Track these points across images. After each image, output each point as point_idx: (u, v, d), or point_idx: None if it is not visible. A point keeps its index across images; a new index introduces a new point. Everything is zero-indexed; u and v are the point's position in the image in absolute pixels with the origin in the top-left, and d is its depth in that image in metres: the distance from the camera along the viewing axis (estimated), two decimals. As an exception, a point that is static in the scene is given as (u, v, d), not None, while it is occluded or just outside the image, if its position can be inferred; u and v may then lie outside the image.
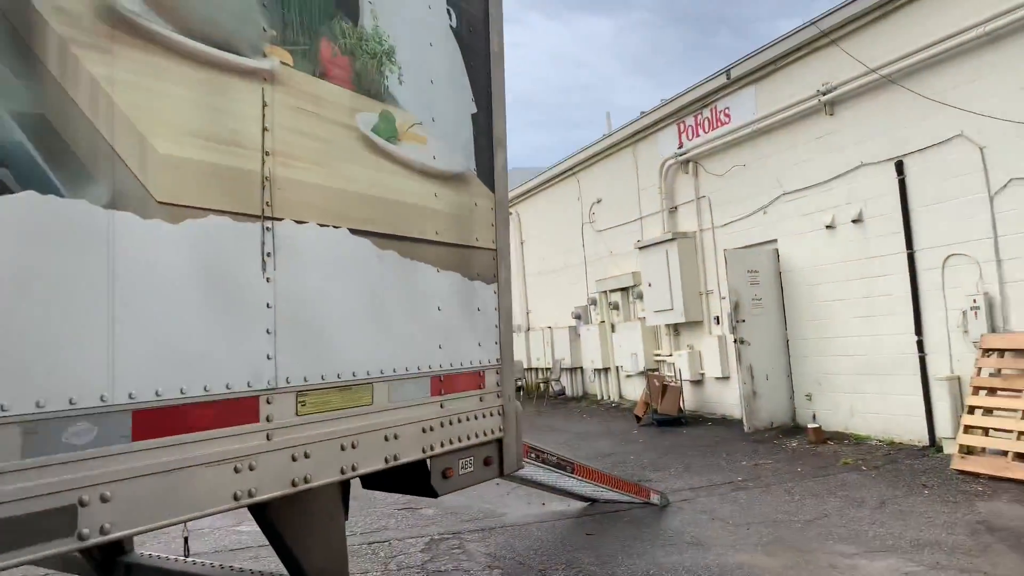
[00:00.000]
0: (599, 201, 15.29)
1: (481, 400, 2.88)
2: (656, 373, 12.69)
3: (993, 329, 7.79)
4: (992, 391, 7.51)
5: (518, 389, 17.40)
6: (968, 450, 7.46)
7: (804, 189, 10.12)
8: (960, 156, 8.04)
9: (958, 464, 7.40)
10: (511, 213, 18.75)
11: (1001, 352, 7.57)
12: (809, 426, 9.56)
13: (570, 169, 16.22)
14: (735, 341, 10.28)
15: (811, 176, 9.98)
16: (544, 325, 17.63)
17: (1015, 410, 7.12)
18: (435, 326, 2.69)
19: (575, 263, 16.32)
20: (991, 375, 7.57)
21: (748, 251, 10.75)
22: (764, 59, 10.43)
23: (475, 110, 2.99)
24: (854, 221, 9.35)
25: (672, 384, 11.90)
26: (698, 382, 12.46)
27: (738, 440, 10.01)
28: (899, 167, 8.73)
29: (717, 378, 11.89)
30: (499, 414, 2.95)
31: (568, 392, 16.74)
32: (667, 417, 11.69)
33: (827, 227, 9.75)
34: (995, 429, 7.32)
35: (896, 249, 8.83)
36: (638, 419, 12.07)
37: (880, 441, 9.10)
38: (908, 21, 8.51)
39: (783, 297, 10.63)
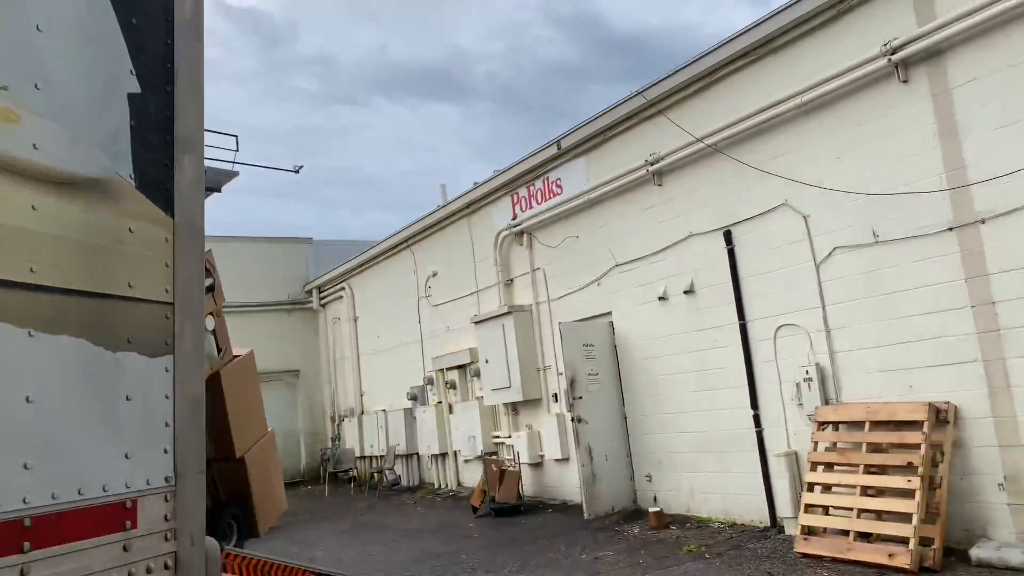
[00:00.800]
0: (435, 275, 14.54)
1: (126, 550, 1.80)
2: (494, 457, 11.82)
3: (826, 401, 7.57)
4: (829, 466, 7.21)
5: (351, 480, 15.92)
6: (809, 530, 7.06)
7: (636, 260, 9.83)
8: (786, 225, 7.96)
9: (801, 547, 6.96)
10: (343, 287, 17.64)
11: (835, 425, 7.33)
12: (651, 510, 8.96)
13: (405, 241, 15.42)
14: (572, 419, 9.63)
15: (643, 247, 9.72)
16: (379, 408, 16.40)
17: (852, 486, 6.81)
18: (14, 432, 1.64)
19: (411, 340, 15.36)
20: (827, 449, 7.29)
21: (583, 324, 10.28)
22: (593, 129, 10.23)
23: (137, 89, 2.00)
24: (686, 292, 9.08)
25: (510, 469, 11.05)
26: (538, 465, 11.69)
27: (578, 529, 9.25)
28: (728, 237, 8.58)
29: (557, 460, 11.18)
30: (168, 567, 1.87)
31: (404, 481, 15.47)
32: (505, 505, 10.78)
33: (660, 298, 9.45)
34: (835, 507, 6.97)
35: (728, 320, 8.59)
36: (475, 509, 11.08)
37: (722, 523, 8.62)
38: (730, 91, 8.51)
39: (620, 371, 10.17)
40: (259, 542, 10.67)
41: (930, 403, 6.53)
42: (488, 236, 12.64)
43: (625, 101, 9.66)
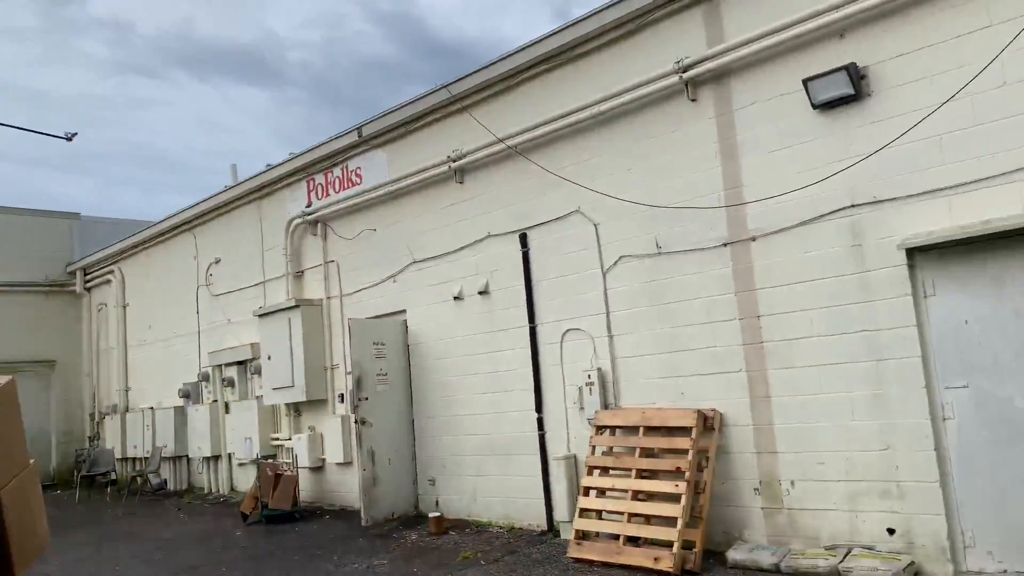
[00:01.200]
0: (218, 262, 13.39)
1: None
2: (270, 461, 11.01)
3: (606, 405, 7.69)
4: (605, 470, 7.31)
5: (109, 484, 14.24)
6: (583, 535, 7.10)
7: (434, 258, 9.55)
8: (577, 231, 8.03)
9: (574, 551, 6.98)
10: (111, 271, 15.91)
11: (613, 429, 7.45)
12: (430, 515, 8.68)
13: (186, 223, 14.09)
14: (356, 421, 9.14)
15: (441, 245, 9.46)
16: (147, 405, 14.85)
17: (625, 490, 6.93)
18: None
19: (187, 332, 14.05)
20: (604, 453, 7.39)
21: (374, 321, 9.83)
22: (397, 119, 9.84)
23: None
24: (481, 293, 8.93)
25: (286, 473, 10.33)
26: (318, 469, 11.04)
27: (356, 536, 8.76)
28: (523, 239, 8.53)
29: (339, 463, 10.61)
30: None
31: (171, 486, 14.09)
32: (279, 512, 10.04)
33: (455, 298, 9.23)
34: (608, 511, 7.07)
35: (520, 322, 8.54)
36: (244, 517, 10.22)
37: (501, 527, 8.52)
38: (533, 95, 8.48)
39: (411, 372, 9.83)
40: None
41: (699, 410, 6.79)
42: (279, 223, 11.82)
43: (430, 94, 9.37)
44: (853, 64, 6.01)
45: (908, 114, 5.83)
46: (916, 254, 5.82)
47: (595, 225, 7.87)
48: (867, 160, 6.02)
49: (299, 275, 11.59)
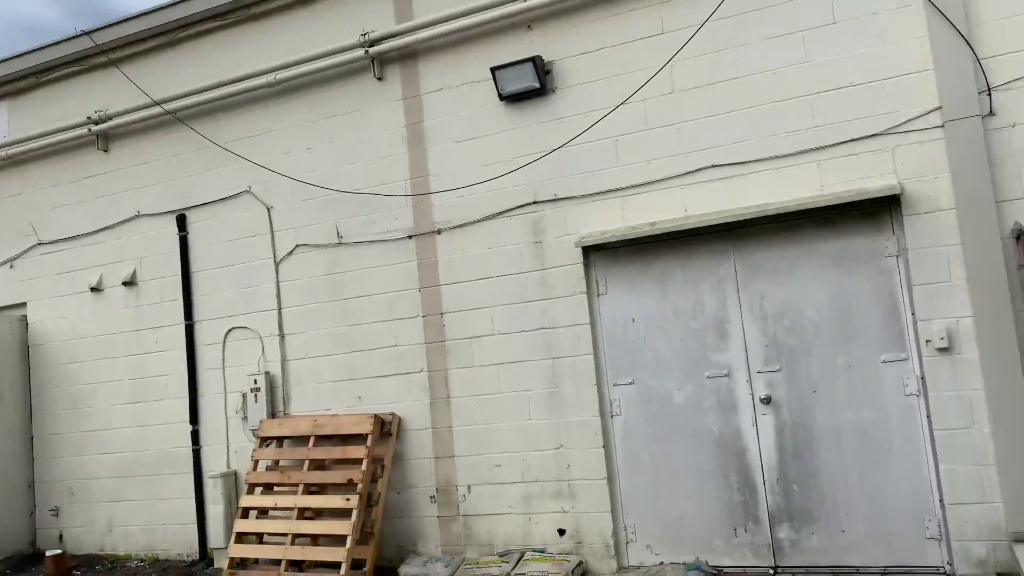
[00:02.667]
0: None
1: None
2: None
3: (274, 414, 6.80)
4: (269, 487, 6.42)
5: None
6: (240, 563, 6.15)
7: (68, 240, 7.86)
8: (248, 215, 7.05)
9: (227, 583, 5.99)
10: None
11: (280, 440, 6.59)
12: (47, 553, 7.03)
13: None
14: (-56, 443, 7.14)
15: (77, 225, 7.81)
16: None
17: (291, 508, 6.12)
18: None
19: None
20: (268, 468, 6.50)
21: (-20, 316, 7.82)
22: (24, 67, 7.96)
23: None
24: (126, 283, 7.50)
25: None
26: None
27: (-63, 590, 6.81)
28: (181, 221, 7.30)
29: (-75, 497, 8.28)
30: None
31: None
32: None
33: (93, 289, 7.66)
34: (270, 534, 6.19)
35: (174, 319, 7.29)
36: None
37: (142, 560, 7.18)
38: (199, 54, 7.32)
39: (31, 380, 7.98)
40: None
41: (376, 415, 6.22)
42: None
43: (69, 39, 7.70)
44: (539, 57, 5.90)
45: (588, 113, 5.85)
46: (591, 253, 5.85)
47: (268, 209, 6.96)
48: (549, 156, 5.94)
49: None
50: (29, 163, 8.11)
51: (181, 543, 7.12)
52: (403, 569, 5.90)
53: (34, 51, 7.90)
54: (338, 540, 5.87)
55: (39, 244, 8.00)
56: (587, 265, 5.83)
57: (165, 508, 7.24)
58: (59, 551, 7.09)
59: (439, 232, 6.31)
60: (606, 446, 5.69)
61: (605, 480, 5.65)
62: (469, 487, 6.07)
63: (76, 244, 7.82)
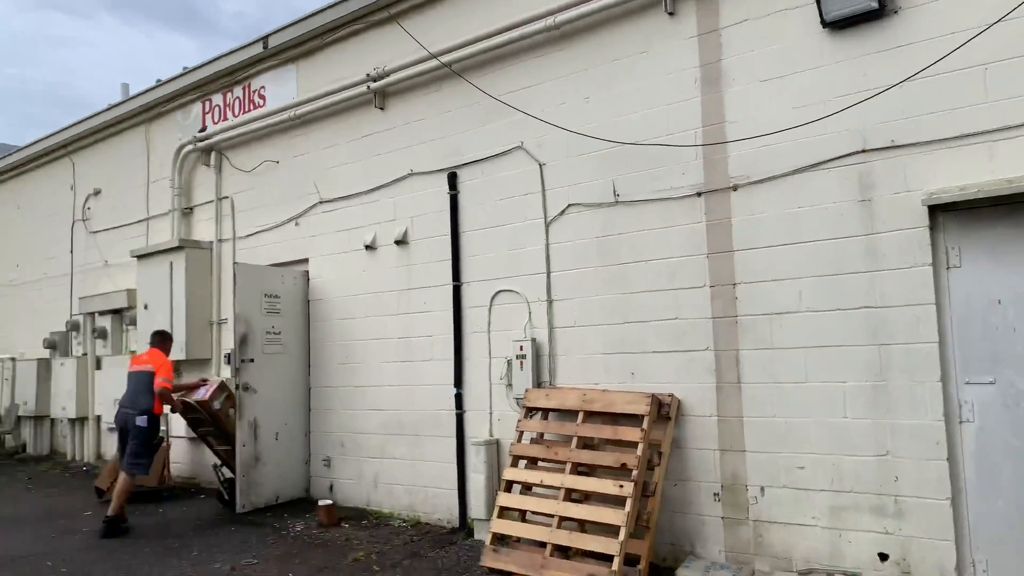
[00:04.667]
0: (97, 193, 11.47)
1: None
2: (136, 427, 9.30)
3: (539, 384, 6.36)
4: (533, 461, 5.99)
5: (-39, 443, 12.22)
6: (502, 539, 5.79)
7: (345, 198, 8.00)
8: (519, 172, 6.63)
9: (489, 559, 5.66)
10: (-24, 199, 13.70)
11: (545, 412, 6.13)
12: (320, 503, 7.23)
13: (63, 146, 12.07)
14: (237, 386, 7.57)
15: (354, 183, 7.92)
16: (9, 355, 12.83)
17: (557, 488, 5.63)
18: None
19: (59, 273, 12.09)
20: (533, 441, 6.07)
21: (269, 270, 8.23)
22: (310, 28, 8.20)
23: None
24: (398, 242, 7.45)
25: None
26: (198, 440, 9.41)
27: (229, 524, 7.26)
28: (452, 180, 7.07)
29: (222, 435, 8.99)
30: None
31: (31, 450, 12.20)
32: (143, 489, 8.41)
33: (367, 247, 7.72)
34: (534, 512, 5.75)
35: (443, 279, 7.11)
36: (100, 493, 8.56)
37: (404, 521, 7.15)
38: (472, 4, 7.00)
39: (310, 332, 8.30)
40: None
41: (653, 395, 5.51)
42: (168, 151, 10.01)
43: (352, -2, 7.77)
44: (881, -31, 4.75)
45: (943, 38, 4.61)
46: (940, 214, 4.63)
47: (540, 165, 6.48)
48: (886, 94, 4.79)
49: (188, 212, 9.85)
50: (314, 123, 8.37)
51: (442, 508, 6.98)
52: (682, 572, 5.17)
53: (320, 11, 8.09)
54: (608, 530, 5.27)
55: (320, 203, 8.25)
56: (933, 229, 4.63)
57: (427, 470, 7.14)
58: (329, 502, 7.26)
59: (735, 188, 5.40)
60: (951, 459, 4.51)
61: (948, 501, 4.48)
62: (762, 488, 5.17)
63: (353, 203, 7.93)
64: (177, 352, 9.18)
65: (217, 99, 9.47)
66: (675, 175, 5.69)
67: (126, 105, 10.65)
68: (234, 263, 7.90)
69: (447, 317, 7.03)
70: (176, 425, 9.26)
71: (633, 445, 5.42)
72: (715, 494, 5.38)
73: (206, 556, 6.23)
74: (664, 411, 5.54)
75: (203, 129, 9.54)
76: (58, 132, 11.91)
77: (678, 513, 5.54)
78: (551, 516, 5.54)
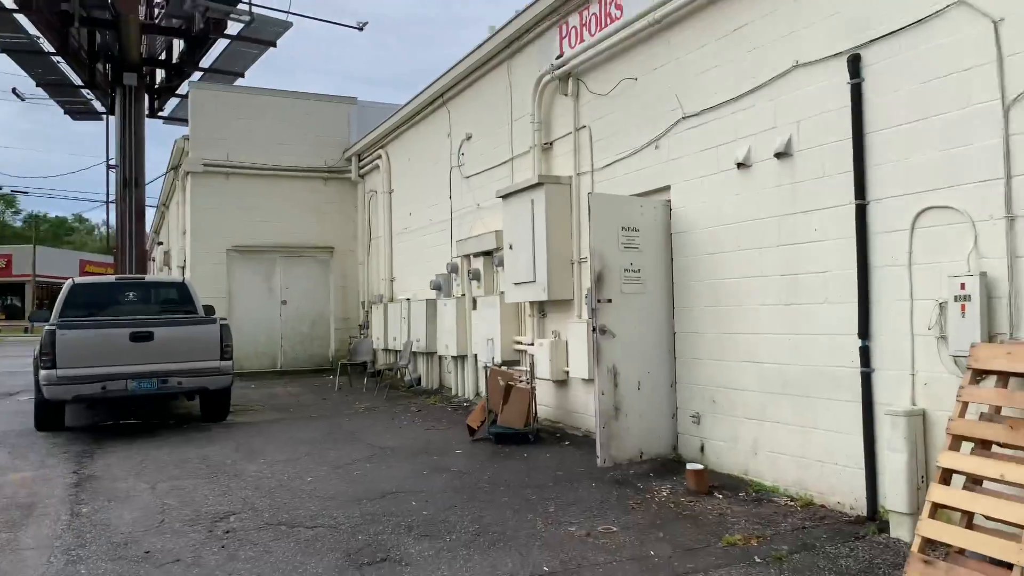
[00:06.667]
0: (469, 138, 11.73)
1: None
2: (504, 368, 9.26)
3: (992, 336, 4.50)
4: (986, 445, 4.23)
5: (375, 374, 13.83)
6: (935, 546, 4.18)
7: (711, 109, 6.73)
8: (957, 39, 4.71)
9: (918, 571, 4.11)
10: (379, 155, 15.18)
11: (1005, 378, 4.28)
12: (689, 467, 6.22)
13: (440, 95, 12.58)
14: (594, 329, 6.87)
15: (723, 90, 6.59)
16: (405, 297, 14.07)
17: (1029, 488, 3.84)
18: None
19: (441, 219, 12.76)
20: (984, 417, 4.29)
21: (624, 199, 7.33)
22: (670, -88, 6.96)
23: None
24: (779, 155, 5.98)
25: (520, 385, 8.48)
26: (562, 383, 9.08)
27: (588, 478, 6.65)
28: (854, 65, 5.36)
29: (584, 380, 8.51)
30: None
31: (425, 383, 13.25)
32: (508, 431, 8.29)
33: (739, 165, 6.38)
34: (988, 518, 4.03)
35: (840, 199, 5.50)
36: (471, 431, 8.65)
37: (792, 500, 5.81)
38: None
39: (673, 270, 7.26)
40: (201, 441, 8.70)
41: None
42: (528, 85, 9.65)
43: None
44: None
45: None
46: None
47: (994, 23, 4.49)
48: None
49: (547, 147, 9.41)
50: (676, 26, 7.18)
51: (842, 490, 5.50)
52: None
53: None
54: None
55: (684, 118, 7.07)
56: None
57: (821, 440, 5.68)
58: (700, 466, 6.22)
59: None
60: None
61: None
62: None
63: (722, 113, 6.62)
64: (539, 292, 8.87)
65: (573, 20, 8.76)
66: None
67: (489, 44, 10.55)
68: (588, 194, 7.14)
69: (847, 247, 5.42)
70: (541, 368, 9.01)
71: None
72: None
73: (561, 515, 5.63)
74: None
75: (560, 55, 8.94)
76: (434, 82, 12.42)
77: None
78: (1020, 528, 3.78)
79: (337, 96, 17.55)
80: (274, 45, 17.21)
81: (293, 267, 16.97)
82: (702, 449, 6.88)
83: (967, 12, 4.63)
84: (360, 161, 16.82)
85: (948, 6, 4.74)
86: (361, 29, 19.15)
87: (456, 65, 11.61)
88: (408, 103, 13.65)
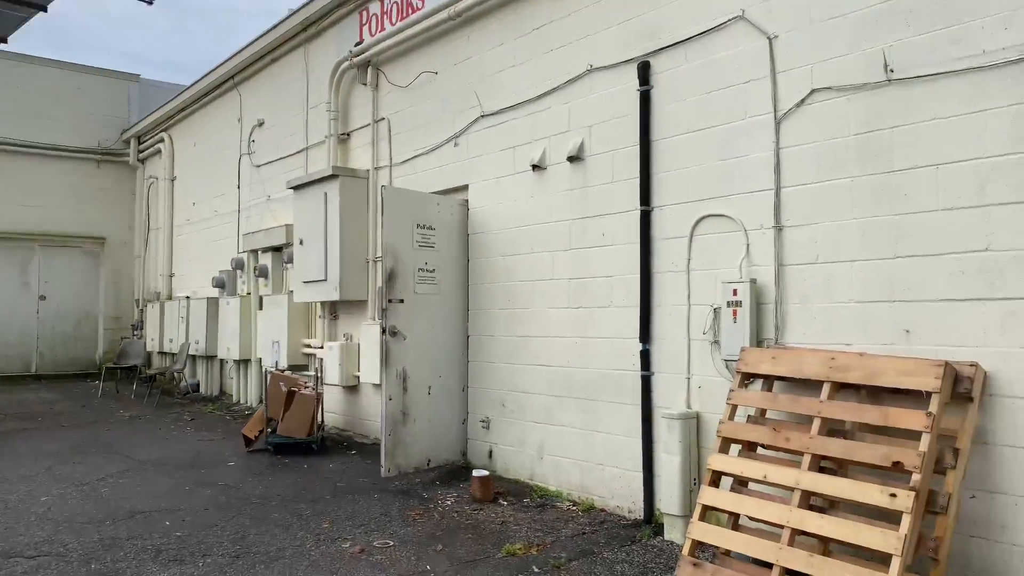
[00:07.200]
0: (261, 124, 10.91)
1: None
2: (286, 373, 8.61)
3: (760, 341, 4.67)
4: (752, 447, 4.35)
5: (148, 379, 12.41)
6: (704, 548, 4.23)
7: (510, 109, 6.61)
8: (738, 51, 4.87)
9: (687, 572, 4.12)
10: (161, 138, 13.82)
11: (770, 381, 4.44)
12: (474, 474, 6.01)
13: (230, 77, 11.64)
14: (383, 330, 6.48)
15: (521, 89, 6.49)
16: (186, 294, 12.85)
17: (788, 488, 3.96)
18: None
19: (228, 210, 11.78)
20: (751, 419, 4.42)
21: (422, 196, 7.04)
22: (474, -96, 6.78)
23: None
24: (571, 159, 5.96)
25: (304, 391, 7.89)
26: (353, 389, 8.59)
27: (370, 490, 6.24)
28: (643, 72, 5.43)
29: (375, 385, 8.08)
30: None
31: (204, 389, 12.14)
32: (289, 441, 7.67)
33: (534, 167, 6.30)
34: (753, 519, 4.13)
35: (627, 205, 5.54)
36: (248, 442, 7.92)
37: (574, 504, 5.77)
38: None
39: (469, 272, 7.06)
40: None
41: (946, 363, 3.67)
42: (326, 72, 9.10)
43: None
44: None
45: None
46: None
47: (770, 39, 4.69)
48: None
49: (344, 138, 8.91)
50: (477, 21, 7.00)
51: (621, 493, 5.52)
52: (995, 638, 3.37)
53: None
54: (868, 556, 3.56)
55: (483, 116, 6.90)
56: None
57: (603, 444, 5.68)
58: (485, 473, 6.02)
59: (1107, 42, 3.36)
60: None
61: None
62: None
63: (520, 113, 6.51)
64: (331, 292, 8.33)
65: (375, 7, 8.36)
66: (990, 31, 3.71)
67: (285, 24, 9.86)
68: (382, 187, 6.76)
69: (632, 252, 5.47)
70: (330, 373, 8.46)
71: (912, 436, 3.63)
72: (1051, 520, 3.48)
73: (337, 529, 5.19)
74: (963, 388, 3.68)
75: (360, 42, 8.49)
76: (225, 62, 11.46)
77: (981, 540, 3.69)
78: (779, 527, 3.89)
79: (116, 71, 15.81)
80: (44, 10, 15.13)
81: (55, 258, 15.02)
82: (491, 455, 6.70)
83: (745, 27, 4.81)
84: (140, 144, 15.25)
85: (729, 20, 4.90)
86: (151, 3, 17.49)
87: (249, 45, 10.77)
88: (196, 82, 12.52)
